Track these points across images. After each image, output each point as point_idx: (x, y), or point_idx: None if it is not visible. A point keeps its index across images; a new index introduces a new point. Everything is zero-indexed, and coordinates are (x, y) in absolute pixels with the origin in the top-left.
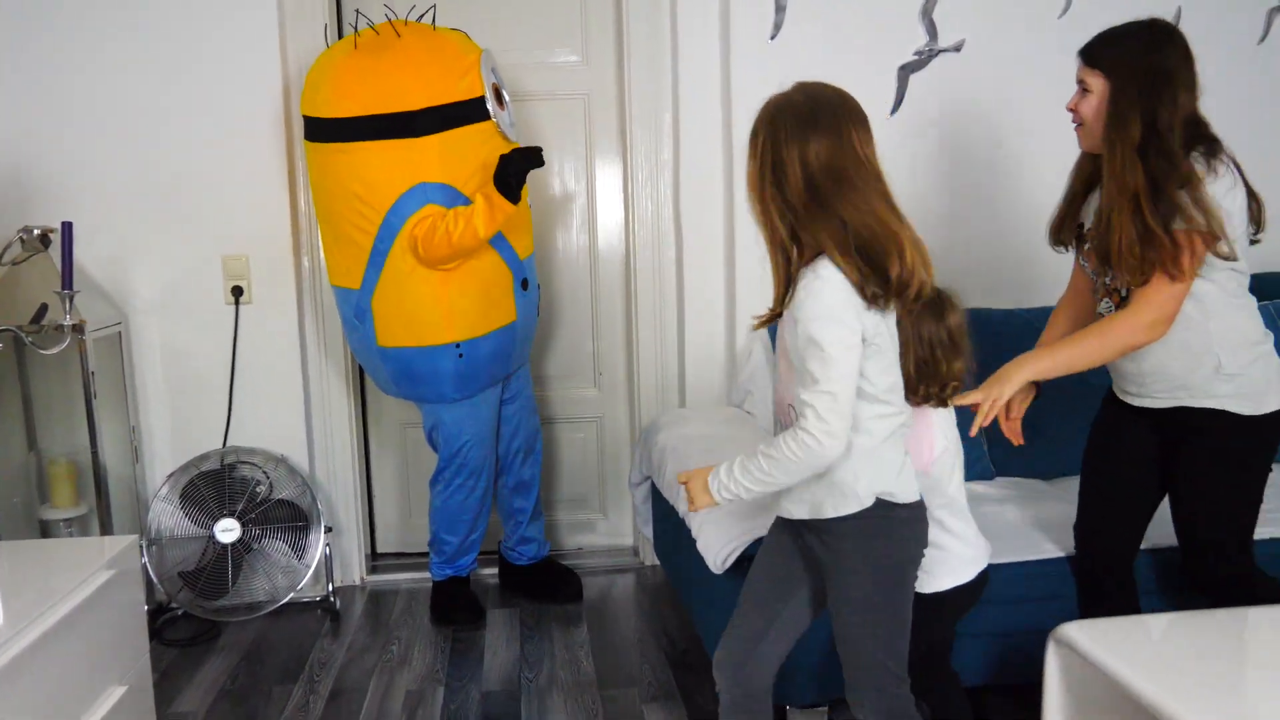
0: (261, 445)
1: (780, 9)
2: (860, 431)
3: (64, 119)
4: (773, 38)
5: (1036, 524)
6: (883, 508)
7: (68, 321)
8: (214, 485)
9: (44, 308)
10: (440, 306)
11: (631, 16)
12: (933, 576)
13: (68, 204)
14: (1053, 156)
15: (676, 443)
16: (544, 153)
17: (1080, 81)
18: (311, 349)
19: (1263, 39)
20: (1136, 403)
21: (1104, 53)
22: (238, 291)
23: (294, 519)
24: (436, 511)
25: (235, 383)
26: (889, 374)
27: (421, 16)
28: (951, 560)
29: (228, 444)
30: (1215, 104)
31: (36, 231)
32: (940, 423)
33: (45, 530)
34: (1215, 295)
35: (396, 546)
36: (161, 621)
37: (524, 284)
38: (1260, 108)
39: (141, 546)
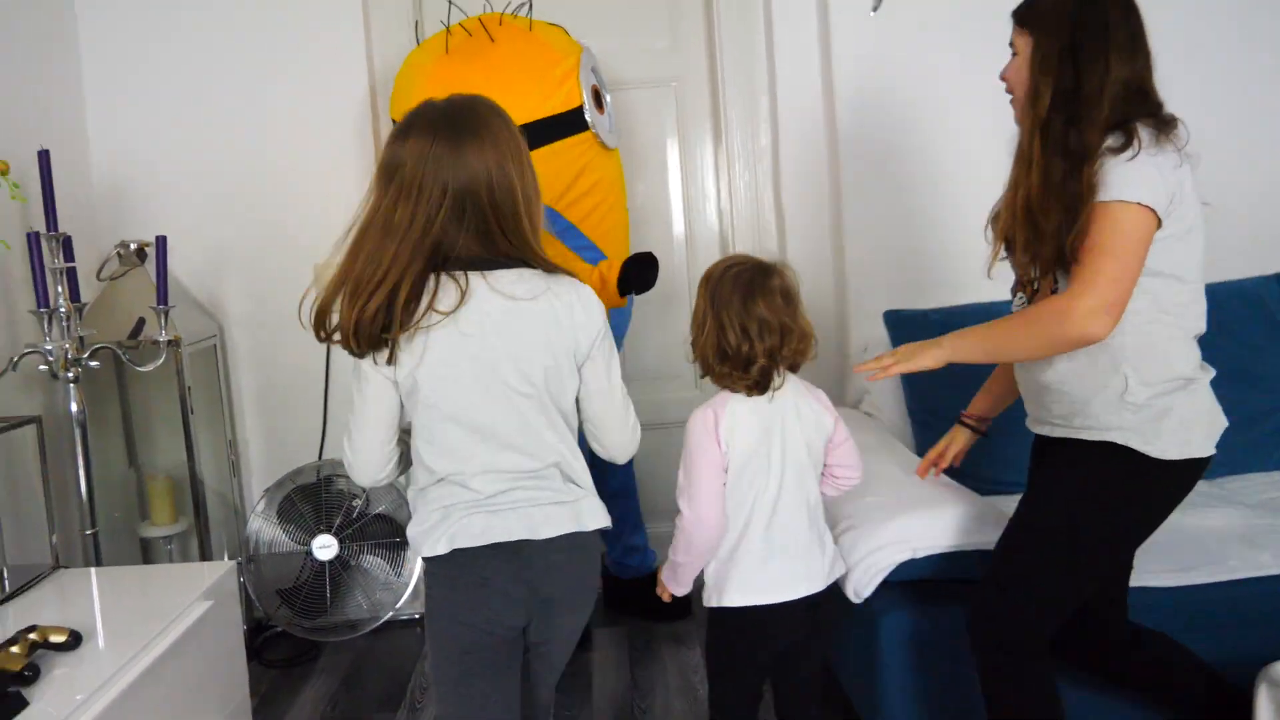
0: None
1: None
2: None
3: (158, 134)
4: (875, 9)
5: (1229, 534)
6: None
7: (163, 337)
8: (310, 500)
9: (141, 322)
10: None
11: None
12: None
13: (162, 218)
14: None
15: None
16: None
17: (1010, 44)
18: None
19: None
20: (1033, 428)
21: (1029, 11)
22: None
23: (391, 534)
24: None
25: (329, 394)
26: None
27: (519, 9)
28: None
29: (323, 457)
30: None
31: (133, 246)
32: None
33: (146, 548)
34: (1141, 305)
35: None
36: (261, 640)
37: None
38: None
39: (240, 564)
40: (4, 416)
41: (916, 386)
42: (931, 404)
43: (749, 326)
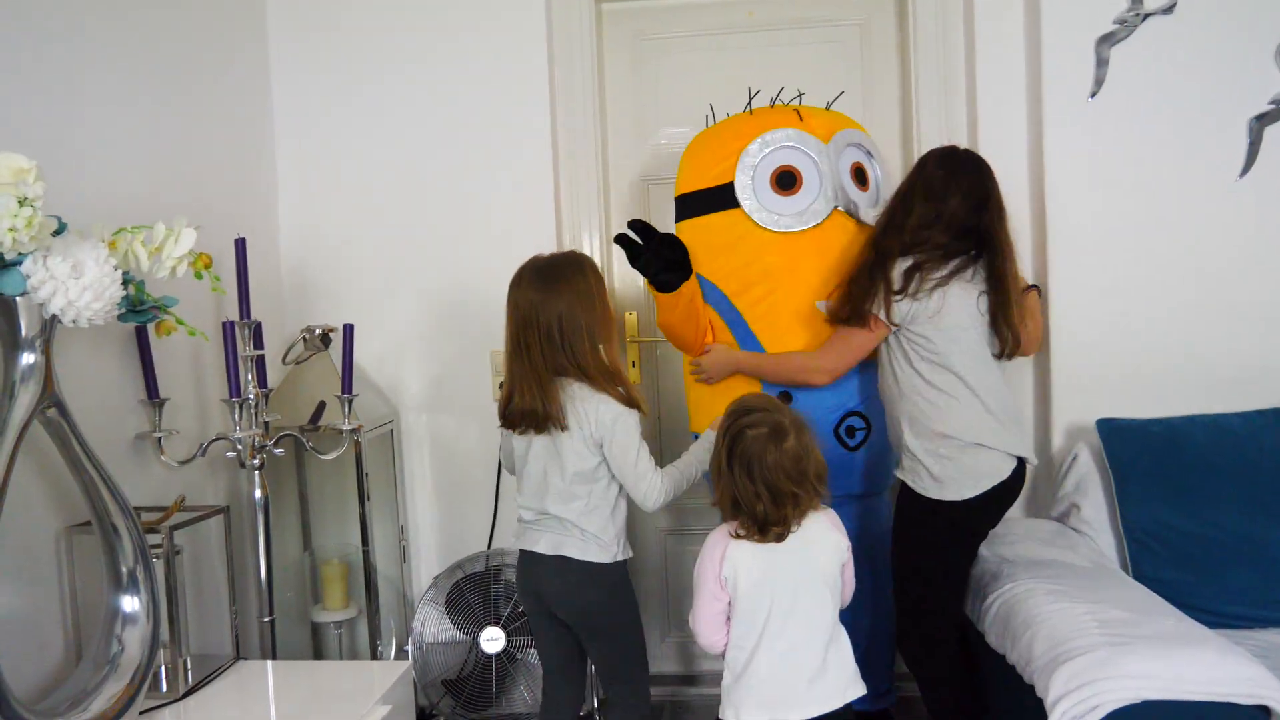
0: None
1: (1102, 63)
2: None
3: (343, 220)
4: (1094, 95)
5: None
6: None
7: (347, 426)
8: (479, 590)
9: (321, 406)
10: (690, 395)
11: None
12: None
13: (345, 302)
14: None
15: (998, 566)
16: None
17: None
18: None
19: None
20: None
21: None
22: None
23: None
24: None
25: (501, 482)
26: None
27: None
28: None
29: (493, 545)
30: None
31: (318, 331)
32: None
33: (315, 632)
34: (909, 380)
35: (668, 663)
36: None
37: None
38: None
39: (407, 650)
40: (196, 506)
41: (1132, 502)
42: (1149, 523)
43: (760, 492)
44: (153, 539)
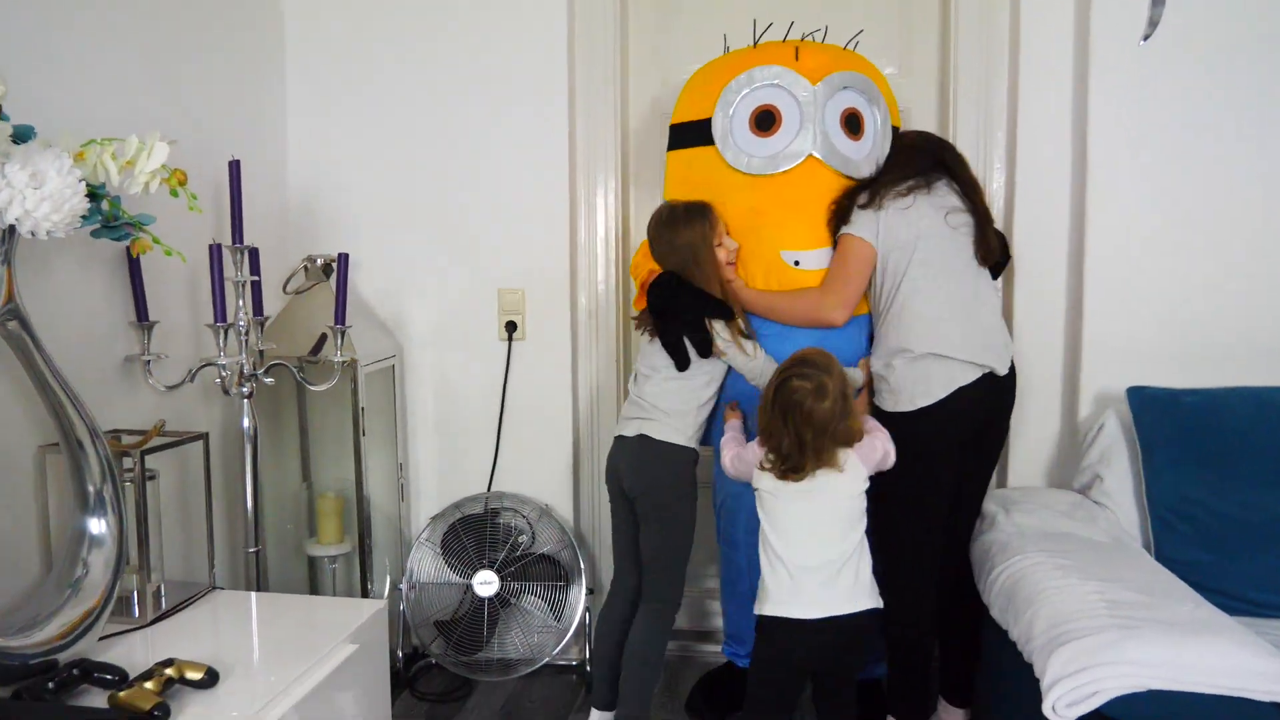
0: (526, 492)
1: (1158, 2)
2: None
3: (353, 149)
4: (1146, 38)
5: None
6: None
7: (339, 358)
8: (475, 532)
9: (323, 338)
10: None
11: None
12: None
13: (352, 234)
14: None
15: (1009, 538)
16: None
17: None
18: (583, 392)
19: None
20: None
21: None
22: (511, 327)
23: (554, 576)
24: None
25: (504, 424)
26: None
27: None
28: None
29: (492, 488)
30: None
31: (319, 261)
32: None
33: (311, 565)
34: (874, 302)
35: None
36: (415, 669)
37: None
38: None
39: (401, 590)
40: (175, 431)
41: (1159, 476)
42: (1175, 499)
43: (788, 435)
44: (130, 464)
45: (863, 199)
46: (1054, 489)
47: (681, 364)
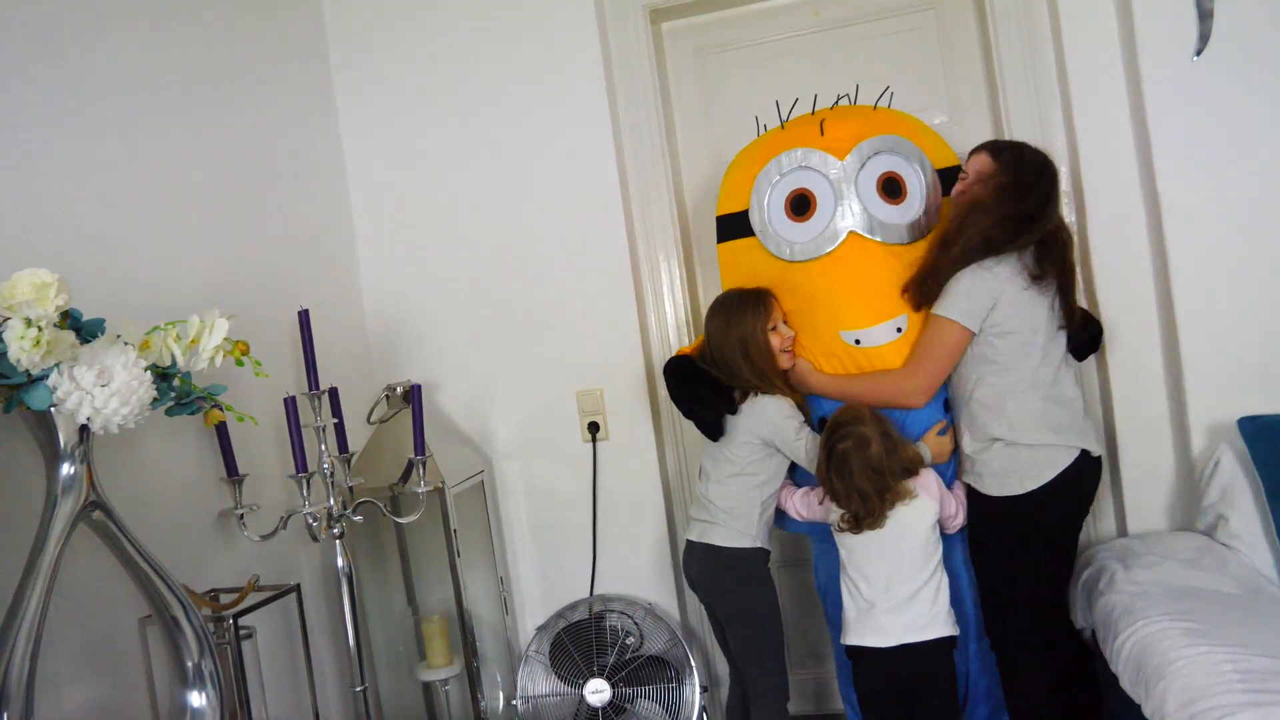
0: (629, 592)
1: (1205, 16)
2: None
3: (423, 273)
4: (1199, 53)
5: None
6: None
7: (421, 489)
8: (581, 639)
9: (411, 464)
10: None
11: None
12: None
13: (431, 355)
14: None
15: (1131, 600)
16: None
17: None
18: (674, 483)
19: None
20: None
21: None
22: (594, 428)
23: (666, 677)
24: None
25: (598, 525)
26: None
27: (879, 100)
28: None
29: (595, 592)
30: None
31: (399, 389)
32: None
33: (426, 690)
34: (965, 384)
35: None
36: None
37: (822, 423)
38: None
39: (515, 706)
40: (270, 586)
41: None
42: None
43: (852, 493)
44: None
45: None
46: (1177, 532)
47: (712, 433)
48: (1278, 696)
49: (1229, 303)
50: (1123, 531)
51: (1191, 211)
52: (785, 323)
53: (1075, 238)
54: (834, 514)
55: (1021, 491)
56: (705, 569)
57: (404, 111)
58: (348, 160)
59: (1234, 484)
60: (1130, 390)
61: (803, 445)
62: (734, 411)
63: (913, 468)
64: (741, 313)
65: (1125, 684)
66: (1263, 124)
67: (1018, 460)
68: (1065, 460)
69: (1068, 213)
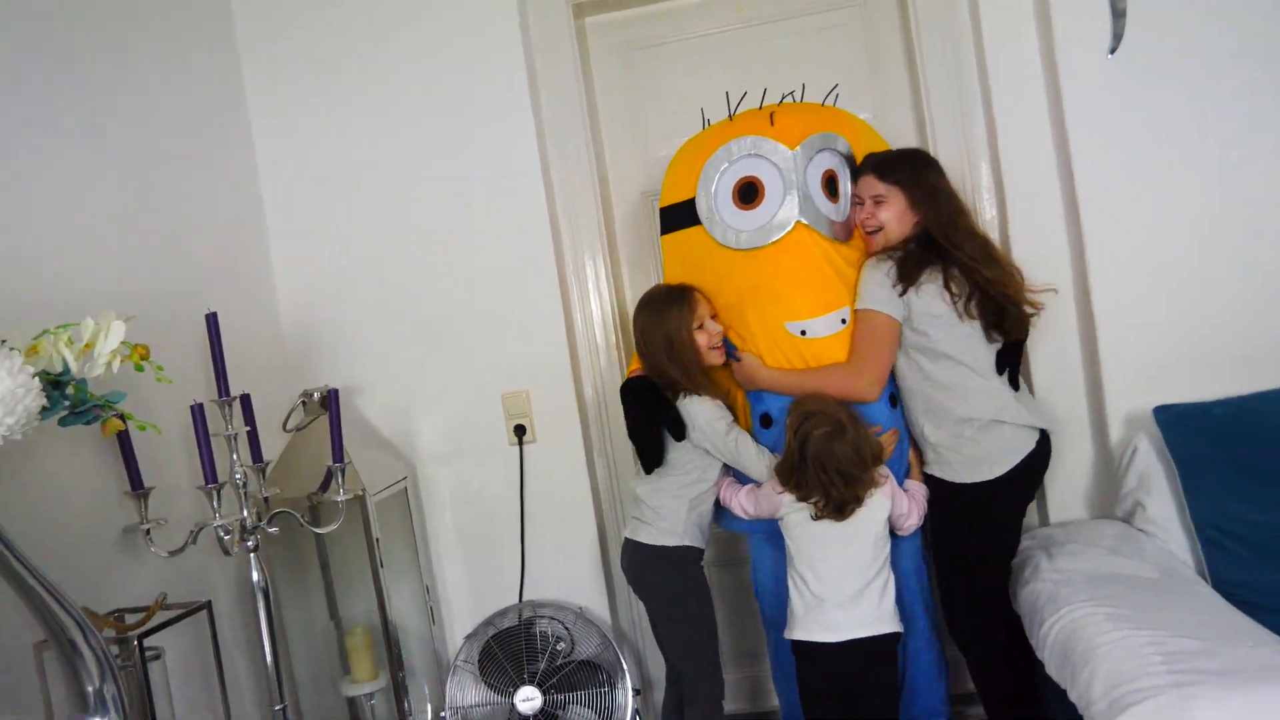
0: (559, 597)
1: (1119, 15)
2: None
3: (340, 272)
4: (1113, 51)
5: None
6: None
7: (340, 497)
8: (511, 646)
9: (330, 472)
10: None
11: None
12: None
13: (351, 358)
14: None
15: (1056, 587)
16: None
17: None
18: (603, 484)
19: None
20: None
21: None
22: (520, 430)
23: (599, 681)
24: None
25: (526, 530)
26: None
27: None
28: None
29: (524, 597)
30: None
31: (316, 395)
32: None
33: (350, 706)
34: (915, 374)
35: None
36: None
37: (764, 419)
38: None
39: (444, 718)
40: (179, 604)
41: (1200, 496)
42: (1221, 519)
43: (834, 479)
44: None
45: (894, 275)
46: (1098, 520)
47: (647, 465)
48: (1199, 676)
49: (1145, 295)
50: (1045, 521)
51: (1108, 206)
52: (714, 319)
53: (997, 232)
54: (789, 509)
55: (992, 476)
56: (636, 567)
57: (319, 103)
58: (258, 152)
59: (1150, 471)
60: (1051, 382)
61: (734, 443)
62: (680, 436)
63: (880, 455)
64: (666, 310)
65: (1052, 670)
66: (1176, 119)
67: (993, 442)
68: (1031, 441)
69: (989, 208)
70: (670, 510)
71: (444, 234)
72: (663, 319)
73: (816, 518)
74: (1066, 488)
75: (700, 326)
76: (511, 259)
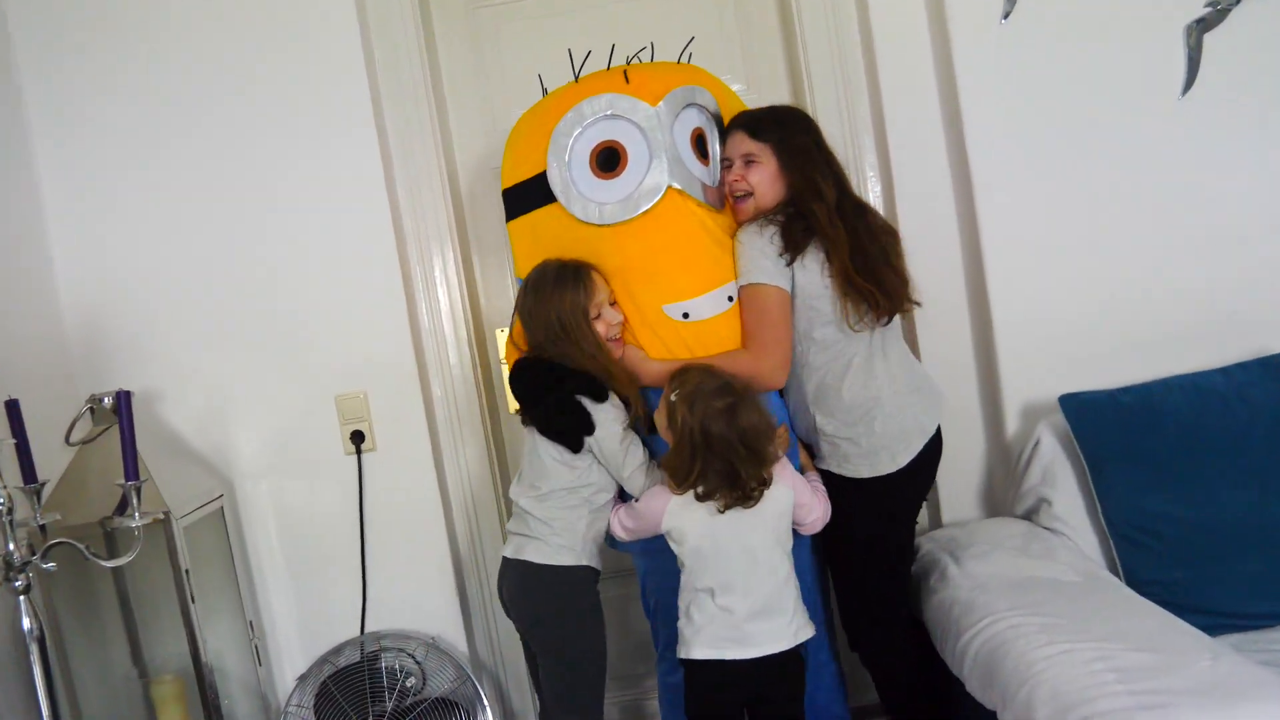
0: (408, 627)
1: None
2: None
3: (143, 263)
4: (1006, 16)
5: None
6: None
7: (136, 522)
8: (352, 685)
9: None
10: None
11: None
12: None
13: (153, 357)
14: None
15: (970, 595)
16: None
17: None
18: (455, 495)
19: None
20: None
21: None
22: (358, 438)
23: (455, 717)
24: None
25: (367, 551)
26: None
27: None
28: None
29: (366, 629)
30: None
31: (106, 401)
32: None
33: None
34: (804, 352)
35: None
36: None
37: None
38: None
39: None
40: None
41: (1112, 492)
42: (1134, 514)
43: (737, 459)
44: None
45: (779, 245)
46: (997, 519)
47: (575, 445)
48: (1167, 697)
49: (1043, 279)
50: (937, 521)
51: (1003, 183)
52: (613, 305)
53: (882, 207)
54: (677, 514)
55: (895, 469)
56: (520, 591)
57: (111, 58)
58: (31, 117)
59: (1055, 465)
60: (940, 372)
61: (624, 451)
62: (588, 433)
63: (773, 425)
64: (558, 292)
65: (974, 688)
66: (1071, 89)
67: (893, 430)
68: (931, 427)
69: (873, 184)
70: (566, 524)
71: (267, 218)
72: (556, 300)
73: (723, 510)
74: (958, 484)
75: (598, 314)
76: (345, 244)
